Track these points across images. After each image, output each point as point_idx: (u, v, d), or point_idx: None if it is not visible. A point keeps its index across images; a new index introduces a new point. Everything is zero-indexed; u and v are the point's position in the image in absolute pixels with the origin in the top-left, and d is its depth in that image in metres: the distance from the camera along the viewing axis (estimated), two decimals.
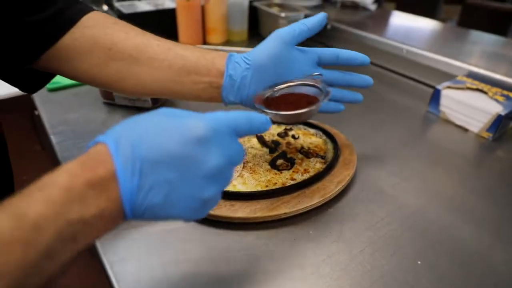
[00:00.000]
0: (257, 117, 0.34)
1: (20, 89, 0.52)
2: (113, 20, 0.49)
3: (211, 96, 0.50)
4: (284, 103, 0.49)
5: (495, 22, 2.06)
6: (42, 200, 0.24)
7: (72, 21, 0.46)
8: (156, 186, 0.28)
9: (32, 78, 0.53)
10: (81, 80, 0.50)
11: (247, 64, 0.48)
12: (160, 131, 0.29)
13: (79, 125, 0.71)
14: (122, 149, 0.28)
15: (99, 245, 0.45)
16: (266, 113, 0.46)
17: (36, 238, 0.23)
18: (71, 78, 0.50)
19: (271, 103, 0.49)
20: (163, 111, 0.32)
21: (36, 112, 0.79)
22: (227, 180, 0.33)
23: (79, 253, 0.27)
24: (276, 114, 0.47)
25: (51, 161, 1.41)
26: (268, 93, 0.49)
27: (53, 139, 0.67)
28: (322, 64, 0.53)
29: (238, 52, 0.50)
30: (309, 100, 0.49)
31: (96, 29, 0.46)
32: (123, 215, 0.28)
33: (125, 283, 0.41)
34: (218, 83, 0.49)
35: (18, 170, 0.81)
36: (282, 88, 0.50)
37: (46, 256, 0.24)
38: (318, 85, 0.50)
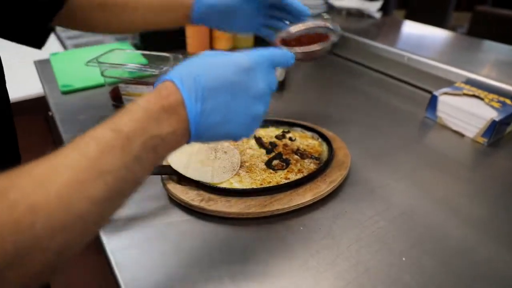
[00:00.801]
0: (287, 52, 0.43)
1: (31, 45, 0.62)
2: None
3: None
4: (300, 43, 0.56)
5: (506, 29, 2.05)
6: (130, 119, 0.32)
7: None
8: (216, 109, 0.36)
9: (37, 36, 0.62)
10: (90, 29, 0.66)
11: None
12: (214, 66, 0.37)
13: (89, 125, 0.75)
14: (186, 82, 0.35)
15: (103, 235, 0.49)
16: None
17: (129, 146, 0.31)
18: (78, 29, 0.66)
19: (288, 43, 0.57)
20: (211, 53, 0.39)
21: (50, 113, 0.83)
22: (267, 103, 0.41)
23: (157, 164, 0.35)
24: (295, 52, 0.52)
25: None
26: (284, 34, 0.57)
27: (65, 138, 0.71)
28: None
29: None
30: (321, 39, 0.57)
31: None
32: (189, 133, 0.36)
33: (126, 269, 0.44)
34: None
35: None
36: (297, 31, 0.58)
37: (135, 160, 0.31)
38: (328, 25, 0.58)
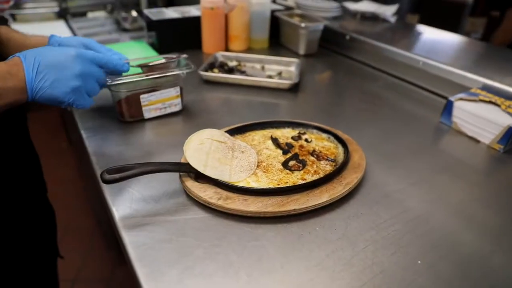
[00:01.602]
0: (119, 61, 0.66)
1: None
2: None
3: None
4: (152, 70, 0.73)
5: None
6: None
7: None
8: (46, 78, 0.55)
9: None
10: None
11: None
12: (50, 51, 0.57)
13: (107, 120, 0.76)
14: (28, 58, 0.55)
15: (123, 231, 0.50)
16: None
17: None
18: None
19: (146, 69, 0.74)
20: (52, 47, 0.62)
21: (69, 109, 0.85)
22: (92, 86, 0.62)
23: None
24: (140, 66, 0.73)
25: (77, 156, 1.49)
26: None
27: (83, 133, 0.72)
28: None
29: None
30: (166, 69, 0.74)
31: None
32: (27, 92, 0.54)
33: (146, 265, 0.45)
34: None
35: (46, 163, 0.88)
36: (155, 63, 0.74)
37: None
38: (178, 58, 0.76)
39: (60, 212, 0.93)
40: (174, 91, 0.76)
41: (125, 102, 0.73)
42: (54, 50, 0.57)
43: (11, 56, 0.55)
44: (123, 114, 0.74)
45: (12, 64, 0.53)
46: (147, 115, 0.75)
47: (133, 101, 0.73)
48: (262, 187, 0.54)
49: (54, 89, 0.56)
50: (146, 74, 0.72)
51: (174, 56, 0.77)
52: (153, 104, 0.75)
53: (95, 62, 0.62)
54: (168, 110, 0.78)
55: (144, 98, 0.73)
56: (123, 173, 0.51)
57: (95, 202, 1.49)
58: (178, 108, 0.79)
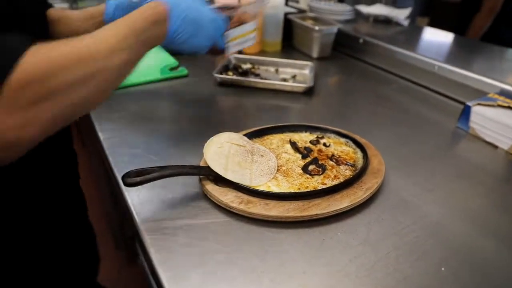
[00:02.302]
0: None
1: None
2: None
3: None
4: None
5: None
6: (139, 21, 0.50)
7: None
8: (185, 31, 0.56)
9: None
10: None
11: None
12: (195, 8, 0.57)
13: (123, 123, 0.77)
14: (175, 11, 0.54)
15: (146, 234, 0.50)
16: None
17: (136, 37, 0.49)
18: None
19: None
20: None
21: None
22: (211, 44, 0.64)
23: (146, 45, 0.52)
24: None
25: (90, 157, 1.49)
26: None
27: (101, 135, 0.73)
28: None
29: None
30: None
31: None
32: (161, 41, 0.55)
33: (169, 269, 0.45)
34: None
35: None
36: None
37: (140, 44, 0.50)
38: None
39: None
40: (251, 26, 0.80)
41: None
42: (198, 8, 0.59)
43: (151, 1, 0.55)
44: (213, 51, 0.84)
45: (158, 13, 0.53)
46: (228, 51, 0.80)
47: None
48: (283, 191, 0.54)
49: (185, 44, 0.58)
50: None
51: None
52: (234, 40, 0.79)
53: (222, 29, 0.65)
54: (245, 45, 0.81)
55: (227, 34, 0.78)
56: (144, 176, 0.51)
57: (106, 203, 1.49)
58: (252, 42, 0.82)
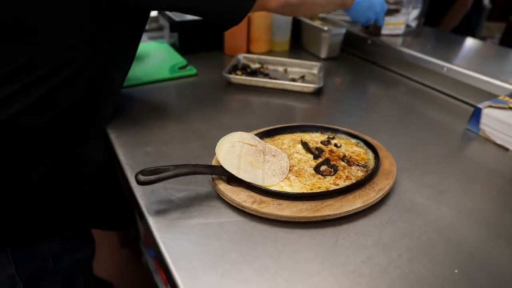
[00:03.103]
0: None
1: None
2: None
3: None
4: None
5: None
6: None
7: None
8: (362, 4, 0.91)
9: None
10: None
11: None
12: None
13: (133, 121, 0.77)
14: None
15: (157, 233, 0.50)
16: None
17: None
18: None
19: None
20: None
21: None
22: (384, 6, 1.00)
23: (338, 6, 0.89)
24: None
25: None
26: None
27: (111, 133, 0.73)
28: None
29: None
30: None
31: None
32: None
33: (183, 269, 0.45)
34: None
35: None
36: None
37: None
38: None
39: None
40: (402, 18, 1.16)
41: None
42: None
43: None
44: (371, 31, 1.18)
45: None
46: (383, 32, 1.17)
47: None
48: (295, 191, 0.54)
49: (360, 13, 0.92)
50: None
51: None
52: (388, 25, 1.15)
53: (384, 9, 1.00)
54: (394, 32, 1.18)
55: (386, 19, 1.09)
56: (158, 175, 0.51)
57: None
58: (401, 31, 1.18)
